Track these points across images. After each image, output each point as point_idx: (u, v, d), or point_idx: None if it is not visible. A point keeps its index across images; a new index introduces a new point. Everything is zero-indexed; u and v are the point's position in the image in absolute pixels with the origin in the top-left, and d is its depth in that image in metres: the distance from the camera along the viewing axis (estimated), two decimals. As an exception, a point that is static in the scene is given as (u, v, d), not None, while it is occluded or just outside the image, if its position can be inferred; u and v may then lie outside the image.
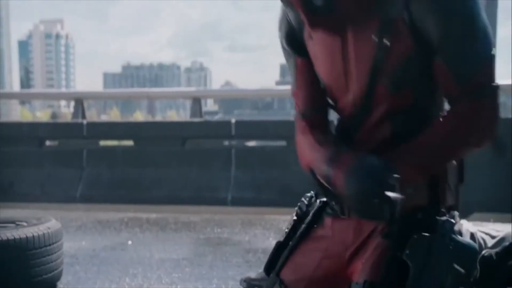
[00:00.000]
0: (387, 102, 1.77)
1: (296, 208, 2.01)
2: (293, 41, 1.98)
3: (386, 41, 1.72)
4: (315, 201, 1.98)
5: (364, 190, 1.62)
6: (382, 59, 1.73)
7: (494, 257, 2.02)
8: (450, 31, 1.66)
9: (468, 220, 1.88)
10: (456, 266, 1.72)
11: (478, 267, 1.83)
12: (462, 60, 1.68)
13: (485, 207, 6.43)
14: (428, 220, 1.76)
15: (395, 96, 1.76)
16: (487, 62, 1.70)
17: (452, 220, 1.79)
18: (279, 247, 1.99)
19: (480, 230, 2.93)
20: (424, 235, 1.72)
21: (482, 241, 2.91)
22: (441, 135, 1.72)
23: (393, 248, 1.73)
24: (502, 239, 2.82)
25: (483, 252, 2.18)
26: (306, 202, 2.00)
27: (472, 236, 2.89)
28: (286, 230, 2.00)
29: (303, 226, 1.97)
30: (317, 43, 1.88)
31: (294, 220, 2.00)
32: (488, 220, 5.97)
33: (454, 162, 1.82)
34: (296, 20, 1.92)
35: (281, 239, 2.00)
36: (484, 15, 1.69)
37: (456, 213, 1.83)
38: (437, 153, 1.73)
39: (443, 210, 1.78)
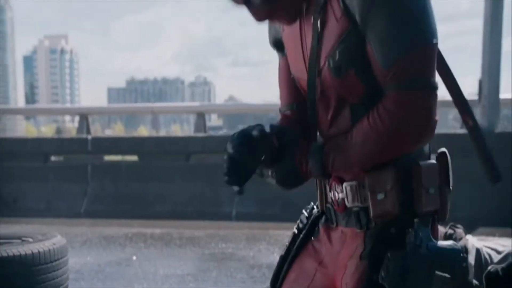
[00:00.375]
0: (335, 87, 1.73)
1: (298, 221, 2.02)
2: (277, 41, 2.03)
3: (318, 22, 1.70)
4: (314, 211, 1.99)
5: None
6: (317, 41, 1.71)
7: (500, 273, 2.01)
8: (374, 12, 1.59)
9: (473, 235, 1.85)
10: (439, 273, 1.69)
11: (484, 282, 1.83)
12: (386, 42, 1.59)
13: (490, 222, 6.42)
14: (401, 233, 1.71)
15: (340, 80, 1.70)
16: (417, 49, 1.58)
17: (426, 227, 1.74)
18: (282, 261, 2.01)
19: (486, 246, 2.93)
20: (398, 252, 1.68)
21: (488, 257, 2.90)
22: (364, 129, 1.66)
23: (370, 271, 1.70)
24: (508, 255, 2.81)
25: (489, 267, 2.18)
26: (306, 214, 2.01)
27: (478, 251, 2.88)
28: (287, 243, 2.02)
29: (300, 238, 1.98)
30: (286, 35, 1.92)
31: (294, 233, 2.01)
32: (493, 235, 5.95)
33: (433, 163, 1.76)
34: None
35: (283, 253, 2.02)
36: (424, 1, 1.60)
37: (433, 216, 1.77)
38: (361, 148, 1.67)
39: (415, 219, 1.72)
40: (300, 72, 1.86)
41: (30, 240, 4.26)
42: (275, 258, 5.99)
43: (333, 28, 1.68)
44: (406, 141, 1.65)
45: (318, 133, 1.85)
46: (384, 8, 1.58)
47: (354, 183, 1.75)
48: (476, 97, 7.82)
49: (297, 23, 1.82)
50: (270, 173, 1.85)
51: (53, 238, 4.28)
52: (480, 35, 7.97)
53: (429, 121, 1.61)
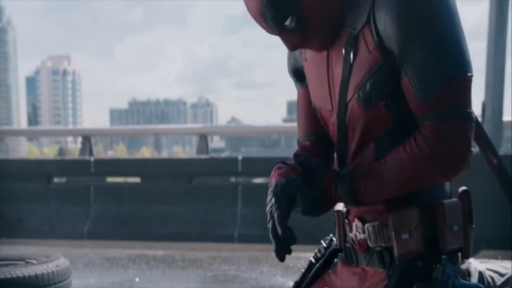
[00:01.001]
0: (363, 120, 1.73)
1: (315, 250, 2.02)
2: (297, 71, 2.04)
3: (351, 54, 1.70)
4: (334, 243, 1.98)
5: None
6: (348, 72, 1.71)
7: (503, 296, 2.02)
8: (412, 45, 1.59)
9: (475, 258, 1.85)
10: None
11: None
12: (425, 77, 1.59)
13: (492, 245, 6.41)
14: (428, 268, 1.71)
15: (369, 113, 1.70)
16: (453, 82, 1.58)
17: (454, 265, 1.75)
18: (296, 287, 2.01)
19: (488, 268, 2.93)
20: (424, 285, 1.69)
21: (490, 280, 2.90)
22: (400, 156, 1.65)
23: None
24: (511, 277, 2.82)
25: (492, 291, 2.18)
26: (325, 244, 2.01)
27: (481, 274, 2.89)
28: (303, 270, 2.02)
29: (316, 267, 1.99)
30: (309, 64, 1.92)
31: (311, 261, 2.01)
32: (495, 258, 5.96)
33: (456, 201, 1.77)
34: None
35: (298, 279, 2.02)
36: (459, 33, 1.60)
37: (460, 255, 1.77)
38: (396, 174, 1.66)
39: (443, 256, 1.72)
40: (323, 102, 1.86)
41: (34, 262, 4.28)
42: (277, 280, 6.02)
43: (365, 60, 1.68)
44: (443, 169, 1.64)
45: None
46: (421, 40, 1.58)
47: (376, 223, 1.76)
48: (479, 119, 7.84)
49: (324, 52, 1.82)
50: (297, 200, 1.78)
51: (56, 260, 4.30)
52: (484, 57, 8.01)
53: (466, 151, 1.62)
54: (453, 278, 1.72)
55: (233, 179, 9.18)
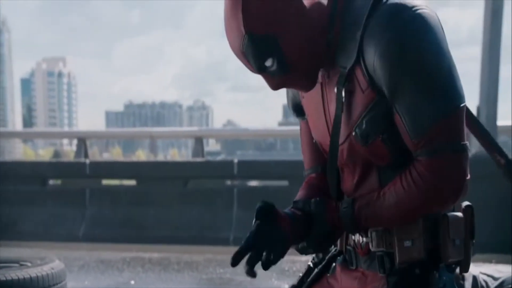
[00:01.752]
0: (364, 155, 1.75)
1: (313, 255, 2.03)
2: (296, 106, 2.06)
3: (342, 92, 1.70)
4: (332, 248, 1.99)
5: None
6: (341, 110, 1.71)
7: (496, 300, 2.03)
8: (401, 85, 1.60)
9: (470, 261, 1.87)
10: None
11: None
12: (415, 115, 1.61)
13: (487, 248, 6.42)
14: (426, 275, 1.74)
15: (367, 148, 1.72)
16: (446, 117, 1.60)
17: (451, 273, 1.77)
18: None
19: (482, 272, 2.94)
20: None
21: (484, 283, 2.91)
22: (397, 191, 1.68)
23: None
24: (504, 282, 2.83)
25: (485, 295, 2.19)
26: None
27: (475, 278, 2.90)
28: (300, 274, 2.03)
29: (315, 272, 2.00)
30: (306, 101, 1.94)
31: (309, 265, 2.03)
32: (489, 262, 5.96)
33: (460, 215, 1.78)
34: None
35: (295, 282, 2.03)
36: (448, 66, 1.61)
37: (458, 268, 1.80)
38: (395, 209, 1.69)
39: (441, 264, 1.75)
40: (323, 138, 1.88)
41: (29, 264, 4.27)
42: (273, 283, 6.01)
43: (359, 99, 1.69)
44: (440, 202, 1.68)
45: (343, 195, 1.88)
46: (409, 80, 1.59)
47: (380, 229, 1.77)
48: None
49: (319, 89, 1.83)
50: (306, 244, 1.81)
51: (51, 263, 4.29)
52: (479, 62, 8.04)
53: (463, 182, 1.64)
54: (450, 286, 1.76)
55: (228, 182, 9.18)
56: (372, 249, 1.79)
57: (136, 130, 31.54)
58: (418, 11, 1.60)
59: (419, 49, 1.58)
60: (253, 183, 9.94)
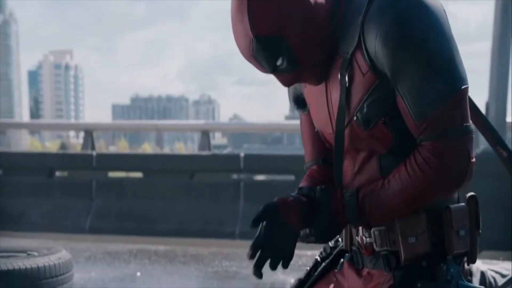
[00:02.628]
0: (365, 140, 1.75)
1: (321, 249, 2.04)
2: (297, 98, 2.08)
3: (346, 77, 1.71)
4: (340, 244, 1.99)
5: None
6: (345, 95, 1.72)
7: (505, 296, 2.03)
8: (404, 67, 1.60)
9: (478, 258, 1.86)
10: None
11: None
12: (418, 97, 1.61)
13: (494, 245, 6.41)
14: (433, 267, 1.73)
15: (369, 132, 1.72)
16: (447, 99, 1.60)
17: (458, 266, 1.76)
18: (300, 285, 2.02)
19: (490, 269, 2.94)
20: (428, 284, 1.71)
21: (492, 280, 2.91)
22: (402, 177, 1.67)
23: None
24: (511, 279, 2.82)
25: (494, 290, 2.19)
26: (331, 244, 2.02)
27: (483, 274, 2.90)
28: (307, 268, 2.03)
29: (322, 266, 2.00)
30: (309, 91, 1.94)
31: (316, 259, 2.03)
32: (497, 259, 5.95)
33: (463, 206, 1.77)
34: None
35: (302, 276, 2.03)
36: (450, 49, 1.61)
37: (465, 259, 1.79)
38: (400, 195, 1.68)
39: (449, 257, 1.74)
40: (325, 126, 1.88)
41: (36, 254, 4.29)
42: (278, 277, 6.02)
43: (360, 83, 1.69)
44: (446, 186, 1.67)
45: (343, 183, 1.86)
46: (412, 61, 1.60)
47: (383, 228, 1.77)
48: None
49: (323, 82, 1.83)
50: (308, 231, 1.80)
51: (58, 253, 4.31)
52: (488, 57, 8.00)
53: (468, 165, 1.63)
54: (457, 279, 1.74)
55: (235, 176, 9.18)
56: (377, 248, 1.79)
57: (142, 123, 31.52)
58: None
59: (421, 32, 1.59)
60: (259, 177, 9.94)
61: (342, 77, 1.72)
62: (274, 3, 1.66)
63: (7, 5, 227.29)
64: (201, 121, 45.94)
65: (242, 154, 8.99)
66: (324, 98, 1.85)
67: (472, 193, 1.80)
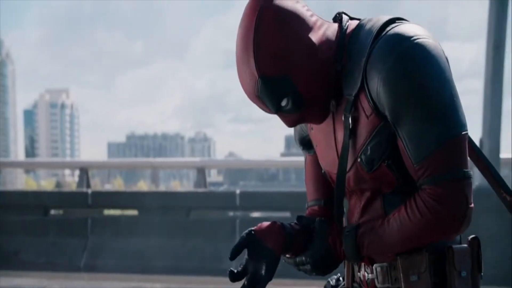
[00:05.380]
0: (369, 181, 1.76)
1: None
2: (303, 140, 2.12)
3: (349, 119, 1.72)
4: (341, 283, 1.99)
5: None
6: (348, 137, 1.73)
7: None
8: (404, 111, 1.62)
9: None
10: None
11: None
12: (417, 141, 1.62)
13: (494, 281, 6.38)
14: None
15: (373, 175, 1.73)
16: (445, 144, 1.61)
17: None
18: None
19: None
20: None
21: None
22: (402, 218, 1.68)
23: None
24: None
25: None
26: (332, 283, 2.03)
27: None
28: None
29: None
30: (315, 132, 1.95)
31: None
32: (494, 294, 5.92)
33: (465, 247, 1.77)
34: None
35: None
36: (451, 94, 1.62)
37: None
38: (398, 235, 1.69)
39: None
40: (332, 166, 1.88)
41: (31, 293, 4.26)
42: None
43: (364, 125, 1.71)
44: (444, 230, 1.67)
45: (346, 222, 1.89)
46: (411, 106, 1.61)
47: (385, 264, 1.78)
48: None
49: (329, 119, 1.85)
50: (304, 259, 1.83)
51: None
52: (481, 94, 8.06)
53: (466, 210, 1.64)
54: None
55: (231, 213, 9.16)
56: (378, 285, 1.79)
57: (138, 160, 31.50)
58: (420, 39, 1.63)
59: (421, 76, 1.60)
60: (255, 214, 9.92)
61: (346, 119, 1.73)
62: (280, 44, 1.68)
63: (4, 45, 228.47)
64: (196, 158, 45.94)
65: (238, 191, 8.98)
66: (332, 139, 1.86)
67: (474, 235, 1.80)
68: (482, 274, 1.80)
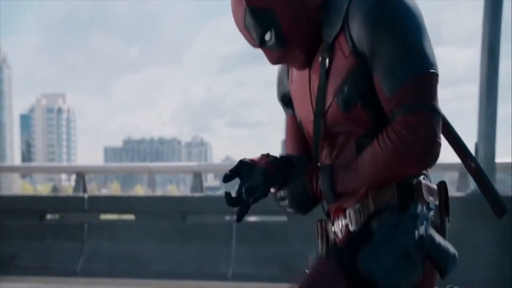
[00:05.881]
0: (342, 122, 1.85)
1: None
2: (285, 97, 2.20)
3: (326, 60, 1.83)
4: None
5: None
6: (325, 77, 1.84)
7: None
8: (381, 45, 1.74)
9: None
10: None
11: None
12: (391, 72, 1.74)
13: (493, 285, 6.40)
14: (404, 203, 1.83)
15: (348, 114, 1.83)
16: (417, 76, 1.73)
17: (427, 213, 1.83)
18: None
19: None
20: (396, 211, 1.81)
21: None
22: (373, 148, 1.77)
23: (366, 219, 1.85)
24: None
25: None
26: None
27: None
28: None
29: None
30: (294, 84, 2.05)
31: None
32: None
33: (435, 186, 1.87)
34: (284, 72, 2.15)
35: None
36: (424, 38, 1.76)
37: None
38: (370, 165, 1.78)
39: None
40: (307, 115, 1.98)
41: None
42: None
43: (341, 65, 1.81)
44: (413, 158, 1.74)
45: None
46: (387, 40, 1.74)
47: (357, 206, 1.86)
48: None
49: (306, 70, 1.95)
50: (283, 194, 1.95)
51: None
52: (476, 99, 8.09)
53: (434, 141, 1.73)
54: (424, 218, 1.81)
55: (227, 218, 9.15)
56: (352, 228, 1.87)
57: (134, 165, 31.41)
58: None
59: (398, 15, 1.75)
60: (252, 218, 9.91)
61: (323, 59, 1.84)
62: None
63: (1, 51, 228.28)
64: (193, 163, 45.84)
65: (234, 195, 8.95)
66: (307, 87, 1.95)
67: (442, 180, 1.91)
68: (449, 219, 1.90)
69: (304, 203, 1.92)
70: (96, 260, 8.66)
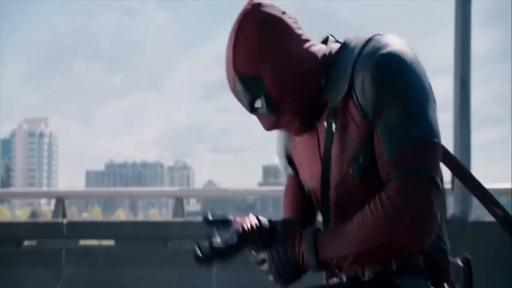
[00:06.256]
0: (357, 190, 1.73)
1: None
2: (288, 158, 2.11)
3: (332, 125, 1.73)
4: None
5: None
6: (330, 142, 1.74)
7: None
8: (384, 107, 1.64)
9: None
10: None
11: None
12: (392, 135, 1.64)
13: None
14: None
15: (365, 183, 1.72)
16: (418, 142, 1.62)
17: None
18: None
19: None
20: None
21: None
22: (364, 213, 1.65)
23: None
24: None
25: None
26: None
27: None
28: None
29: None
30: (299, 149, 1.95)
31: None
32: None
33: (459, 263, 1.74)
34: (287, 138, 2.07)
35: None
36: (429, 104, 1.67)
37: None
38: (358, 231, 1.64)
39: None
40: (316, 180, 1.85)
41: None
42: None
43: (354, 133, 1.70)
44: (404, 226, 1.59)
45: None
46: (391, 103, 1.65)
47: (378, 266, 1.74)
48: (449, 186, 7.88)
49: (314, 135, 1.85)
50: (263, 258, 1.85)
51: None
52: (451, 128, 8.20)
53: (430, 212, 1.58)
54: None
55: (209, 243, 9.02)
56: (364, 279, 1.76)
57: (116, 190, 31.31)
58: (404, 46, 1.72)
59: (403, 76, 1.66)
60: (234, 243, 9.80)
61: (329, 125, 1.73)
62: (258, 47, 1.72)
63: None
64: (175, 188, 45.83)
65: (216, 221, 8.85)
66: (316, 153, 1.84)
67: (466, 256, 1.78)
68: None
69: (284, 269, 1.79)
70: (74, 287, 8.48)
